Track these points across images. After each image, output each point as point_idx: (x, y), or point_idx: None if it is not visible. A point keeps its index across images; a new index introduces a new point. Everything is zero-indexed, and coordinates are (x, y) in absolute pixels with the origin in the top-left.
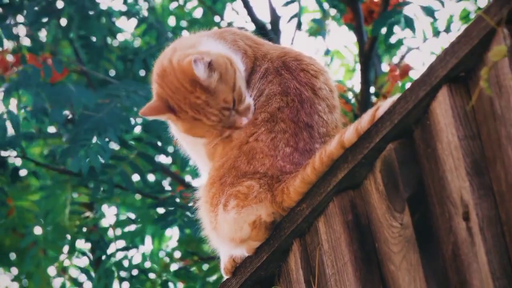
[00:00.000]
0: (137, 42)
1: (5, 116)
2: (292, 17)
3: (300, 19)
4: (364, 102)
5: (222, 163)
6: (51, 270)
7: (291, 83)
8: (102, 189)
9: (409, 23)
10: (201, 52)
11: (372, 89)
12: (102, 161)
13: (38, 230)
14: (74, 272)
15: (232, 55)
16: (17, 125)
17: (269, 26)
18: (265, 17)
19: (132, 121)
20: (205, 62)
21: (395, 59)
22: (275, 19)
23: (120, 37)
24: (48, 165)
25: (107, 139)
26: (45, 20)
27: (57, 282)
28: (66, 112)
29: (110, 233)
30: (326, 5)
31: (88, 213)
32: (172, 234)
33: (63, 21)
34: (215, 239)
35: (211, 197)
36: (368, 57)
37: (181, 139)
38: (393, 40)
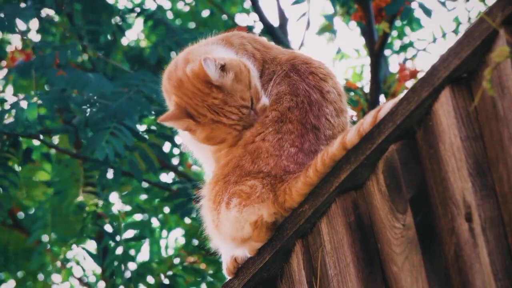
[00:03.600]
0: (144, 42)
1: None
2: (301, 16)
3: (308, 18)
4: (373, 101)
5: (226, 162)
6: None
7: (300, 84)
8: (108, 178)
9: (424, 10)
10: (214, 56)
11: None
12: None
13: (45, 226)
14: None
15: (246, 60)
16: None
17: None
18: (273, 20)
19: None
20: (217, 63)
21: (402, 61)
22: (283, 21)
23: (129, 35)
24: (60, 148)
25: (126, 126)
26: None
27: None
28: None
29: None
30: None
31: (96, 200)
32: (179, 232)
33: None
34: (217, 238)
35: (214, 195)
36: (379, 56)
37: (191, 145)
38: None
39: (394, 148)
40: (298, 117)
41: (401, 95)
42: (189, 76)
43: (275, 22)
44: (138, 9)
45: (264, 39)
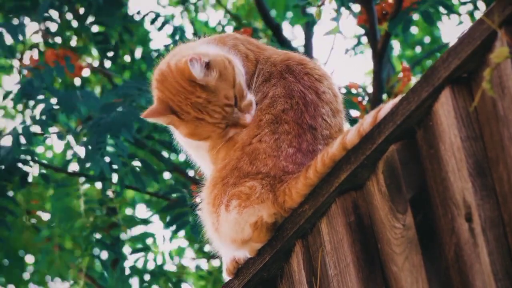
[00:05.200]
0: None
1: (17, 126)
2: (307, 20)
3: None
4: (376, 101)
5: (224, 165)
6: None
7: (295, 86)
8: (113, 190)
9: (427, 18)
10: (198, 52)
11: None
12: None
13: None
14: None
15: (231, 56)
16: (28, 136)
17: (300, 32)
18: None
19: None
20: (202, 62)
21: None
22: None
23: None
24: (57, 168)
25: (121, 139)
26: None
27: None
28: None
29: (123, 236)
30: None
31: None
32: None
33: (80, 11)
34: (217, 240)
35: (213, 198)
36: (381, 57)
37: (185, 144)
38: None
39: (394, 148)
40: (294, 118)
41: (400, 96)
42: (173, 71)
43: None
44: (152, 15)
45: (258, 41)
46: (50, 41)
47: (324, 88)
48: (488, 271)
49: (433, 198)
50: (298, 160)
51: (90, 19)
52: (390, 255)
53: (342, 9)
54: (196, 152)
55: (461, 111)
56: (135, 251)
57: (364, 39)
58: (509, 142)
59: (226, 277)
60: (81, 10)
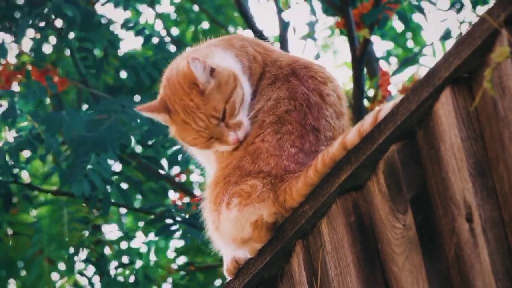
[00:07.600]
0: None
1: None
2: (286, 25)
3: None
4: (357, 106)
5: (226, 164)
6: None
7: (299, 88)
8: (98, 207)
9: (402, 18)
10: (209, 61)
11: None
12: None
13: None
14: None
15: (241, 76)
16: (15, 152)
17: (273, 34)
18: (274, 25)
19: (131, 137)
20: (207, 66)
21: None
22: (283, 25)
23: (123, 47)
24: (40, 188)
25: (105, 158)
26: (41, 26)
27: None
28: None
29: (108, 250)
30: (319, 10)
31: (85, 232)
32: (171, 244)
33: (61, 26)
34: (218, 239)
35: (215, 196)
36: (360, 62)
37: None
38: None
39: (395, 148)
40: (297, 119)
41: (400, 97)
42: (179, 73)
43: (276, 28)
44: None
45: (265, 42)
46: (28, 53)
47: (328, 91)
48: (488, 271)
49: (433, 198)
50: (300, 160)
51: (72, 34)
52: (390, 255)
53: (319, 13)
54: (202, 152)
55: (461, 111)
56: (120, 266)
57: (336, 39)
58: (510, 142)
59: (226, 276)
60: (62, 27)
